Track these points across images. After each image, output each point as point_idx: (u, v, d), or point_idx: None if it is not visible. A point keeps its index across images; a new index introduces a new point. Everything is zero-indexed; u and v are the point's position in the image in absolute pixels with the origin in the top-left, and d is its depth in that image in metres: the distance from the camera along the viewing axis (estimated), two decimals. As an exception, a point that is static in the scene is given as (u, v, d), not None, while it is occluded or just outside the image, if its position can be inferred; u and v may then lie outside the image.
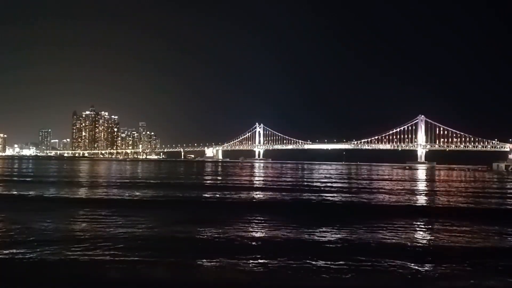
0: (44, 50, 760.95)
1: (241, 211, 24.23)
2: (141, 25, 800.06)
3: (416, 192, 46.34)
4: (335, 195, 37.45)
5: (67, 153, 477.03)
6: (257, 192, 38.93)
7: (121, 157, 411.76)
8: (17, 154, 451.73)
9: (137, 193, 34.67)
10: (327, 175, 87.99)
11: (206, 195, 33.86)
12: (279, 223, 19.34)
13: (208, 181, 57.54)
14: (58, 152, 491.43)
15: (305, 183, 56.84)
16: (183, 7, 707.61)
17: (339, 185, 54.23)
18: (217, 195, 33.63)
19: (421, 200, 37.37)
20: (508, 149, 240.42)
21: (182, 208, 25.84)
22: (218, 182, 56.86)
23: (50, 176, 65.28)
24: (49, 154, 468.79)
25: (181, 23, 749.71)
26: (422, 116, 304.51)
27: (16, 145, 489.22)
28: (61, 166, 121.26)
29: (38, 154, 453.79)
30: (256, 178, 66.97)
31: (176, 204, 28.28)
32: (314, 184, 54.08)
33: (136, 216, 21.88)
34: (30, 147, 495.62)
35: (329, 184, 53.42)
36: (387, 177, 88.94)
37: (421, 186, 59.75)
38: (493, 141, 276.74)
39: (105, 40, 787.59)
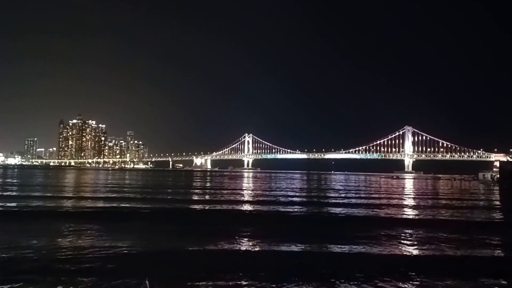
0: (32, 63, 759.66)
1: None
2: (128, 39, 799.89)
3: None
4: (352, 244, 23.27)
5: (53, 162, 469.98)
6: (244, 238, 27.38)
7: (116, 167, 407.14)
8: (1, 163, 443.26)
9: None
10: (325, 189, 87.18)
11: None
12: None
13: (190, 205, 53.76)
14: (44, 161, 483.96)
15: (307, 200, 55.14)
16: (168, 19, 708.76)
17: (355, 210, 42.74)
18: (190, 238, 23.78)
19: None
20: (493, 159, 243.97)
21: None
22: (206, 205, 46.36)
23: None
24: (34, 163, 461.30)
25: (166, 35, 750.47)
26: (410, 126, 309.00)
27: (1, 154, 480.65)
28: (46, 175, 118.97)
29: (24, 163, 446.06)
30: (245, 198, 62.90)
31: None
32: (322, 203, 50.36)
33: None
34: (16, 156, 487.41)
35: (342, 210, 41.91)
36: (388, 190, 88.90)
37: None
38: (479, 151, 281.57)
39: (93, 54, 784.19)
